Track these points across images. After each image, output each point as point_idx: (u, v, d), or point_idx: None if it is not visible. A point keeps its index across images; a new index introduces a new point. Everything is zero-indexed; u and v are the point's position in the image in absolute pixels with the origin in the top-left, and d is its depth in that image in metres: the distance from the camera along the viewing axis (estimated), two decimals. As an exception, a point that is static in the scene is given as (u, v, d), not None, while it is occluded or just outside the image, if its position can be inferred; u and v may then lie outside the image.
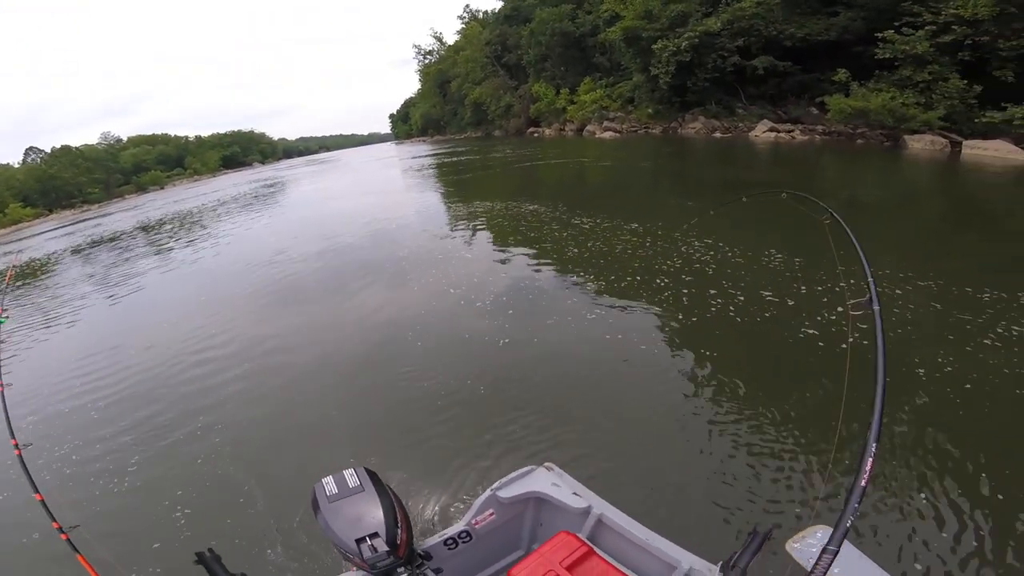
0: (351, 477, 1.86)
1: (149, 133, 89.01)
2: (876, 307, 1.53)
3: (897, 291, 4.98)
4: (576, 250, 7.73)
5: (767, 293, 5.28)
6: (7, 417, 2.34)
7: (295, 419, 4.29)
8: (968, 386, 3.49)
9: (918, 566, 2.32)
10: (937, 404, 3.35)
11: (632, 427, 3.56)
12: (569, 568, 1.56)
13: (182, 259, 12.70)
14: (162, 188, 69.49)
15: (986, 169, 12.04)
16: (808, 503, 2.70)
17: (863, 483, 1.12)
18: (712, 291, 5.52)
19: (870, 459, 1.16)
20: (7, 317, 3.10)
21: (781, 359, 4.24)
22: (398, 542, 1.68)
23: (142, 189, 69.94)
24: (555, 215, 10.29)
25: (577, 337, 4.97)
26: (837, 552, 1.04)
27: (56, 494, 2.15)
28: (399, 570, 1.65)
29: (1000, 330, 4.08)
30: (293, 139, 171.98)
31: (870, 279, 1.66)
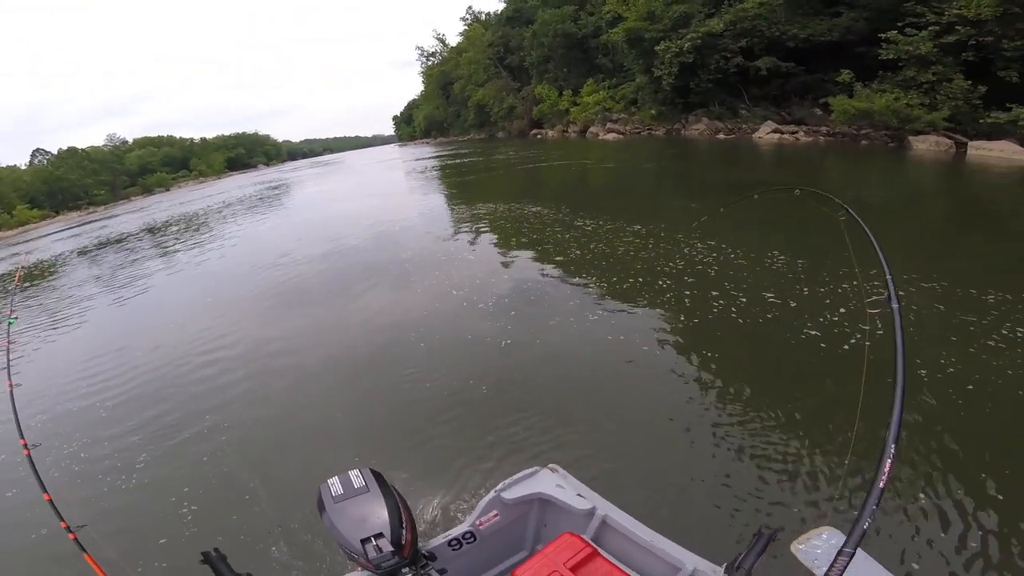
0: (356, 478, 1.87)
1: (150, 134, 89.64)
2: (896, 305, 1.52)
3: (900, 292, 4.92)
4: (578, 252, 7.74)
5: (770, 294, 5.27)
6: (16, 417, 2.36)
7: (300, 420, 4.32)
8: (970, 387, 3.48)
9: (920, 567, 2.31)
10: (939, 405, 3.35)
11: (636, 428, 3.57)
12: (573, 569, 1.56)
13: (188, 261, 12.77)
14: (167, 190, 69.85)
15: (991, 170, 11.99)
16: (813, 504, 2.70)
17: (881, 485, 1.10)
18: (715, 292, 5.52)
19: (888, 460, 1.14)
20: (16, 318, 3.14)
21: (784, 360, 4.24)
22: (403, 542, 1.68)
23: (148, 191, 70.32)
24: (558, 217, 10.30)
25: (580, 338, 4.98)
26: (853, 554, 1.03)
27: (64, 493, 2.17)
28: (404, 570, 1.65)
29: (1005, 331, 4.07)
30: (297, 141, 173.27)
31: (889, 277, 1.64)
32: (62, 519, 1.84)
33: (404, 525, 1.73)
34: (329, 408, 4.40)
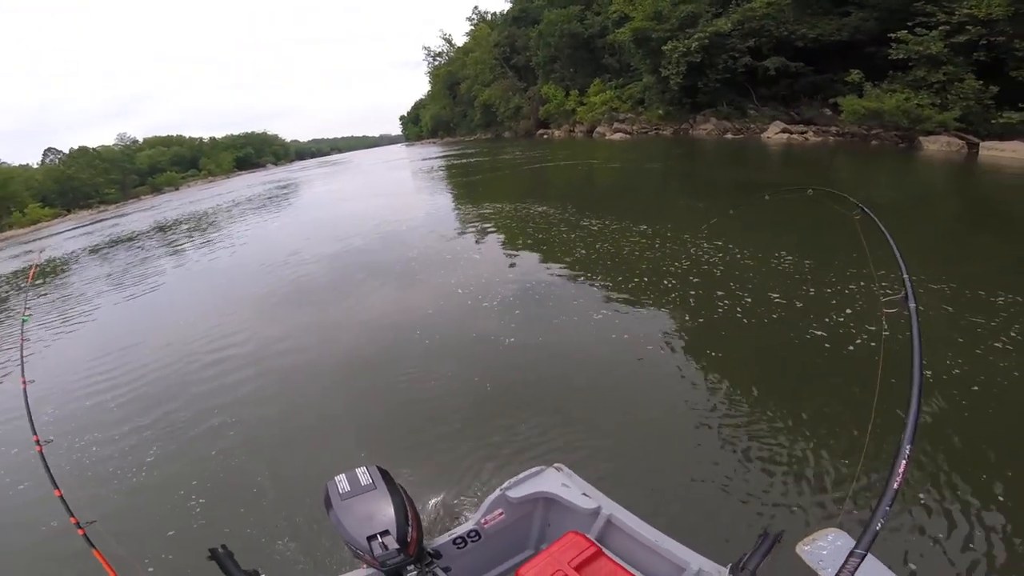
0: (363, 475, 1.89)
1: (156, 134, 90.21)
2: (912, 304, 1.49)
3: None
4: (584, 251, 7.74)
5: (777, 295, 5.24)
6: (29, 413, 2.40)
7: (308, 417, 4.35)
8: (975, 388, 3.46)
9: (925, 569, 2.30)
10: (943, 406, 3.33)
11: (641, 427, 3.57)
12: (577, 568, 1.57)
13: (198, 259, 12.89)
14: (177, 189, 70.45)
15: (1004, 170, 11.85)
16: (819, 505, 2.69)
17: (895, 485, 1.10)
18: (721, 292, 5.50)
19: (903, 461, 1.13)
20: (30, 315, 3.18)
21: (792, 360, 4.22)
22: (408, 540, 1.69)
23: (157, 190, 70.96)
24: (563, 217, 10.30)
25: (585, 337, 4.98)
26: (865, 556, 1.02)
27: (74, 489, 2.19)
28: (409, 568, 1.67)
29: (1013, 333, 4.03)
30: (305, 141, 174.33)
31: (906, 276, 1.61)
32: (72, 515, 1.86)
33: (410, 523, 1.74)
34: (336, 405, 4.43)
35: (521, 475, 2.11)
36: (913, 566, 2.32)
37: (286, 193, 29.22)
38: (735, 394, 3.80)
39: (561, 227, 9.47)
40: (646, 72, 29.36)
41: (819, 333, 4.41)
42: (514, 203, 12.68)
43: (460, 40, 64.91)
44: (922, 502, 2.63)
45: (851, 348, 4.11)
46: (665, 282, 6.05)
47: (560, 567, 1.57)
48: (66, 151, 66.74)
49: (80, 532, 1.81)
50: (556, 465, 2.23)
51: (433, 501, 3.07)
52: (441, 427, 3.85)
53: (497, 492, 2.03)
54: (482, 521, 2.00)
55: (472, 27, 60.45)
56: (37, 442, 2.20)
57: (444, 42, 68.50)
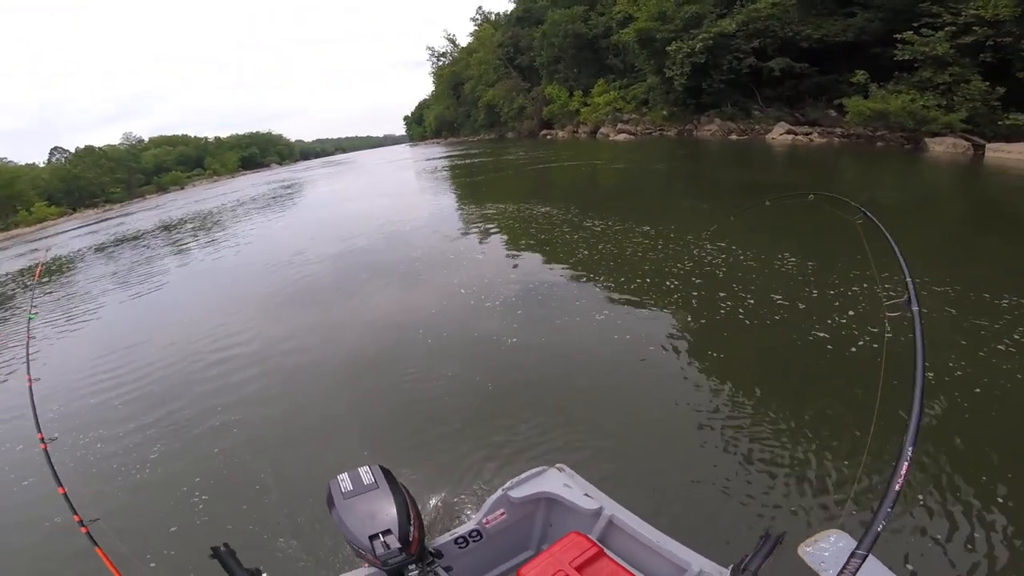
0: (366, 474, 1.89)
1: (162, 134, 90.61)
2: (916, 308, 1.50)
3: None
4: (587, 252, 7.74)
5: (779, 296, 5.23)
6: (34, 411, 2.41)
7: (311, 416, 4.37)
8: (978, 390, 3.45)
9: (927, 571, 2.30)
10: (946, 408, 3.33)
11: (643, 428, 3.56)
12: (579, 569, 1.57)
13: (203, 258, 12.95)
14: (182, 188, 70.76)
15: (1010, 172, 11.77)
16: (822, 507, 2.69)
17: (897, 487, 1.10)
18: (724, 293, 5.49)
19: (906, 463, 1.14)
20: (36, 313, 3.21)
21: (794, 363, 4.21)
22: (410, 539, 1.70)
23: (163, 189, 71.29)
24: (567, 217, 10.30)
25: (587, 337, 4.98)
26: (867, 557, 1.03)
27: (78, 486, 2.21)
28: (410, 567, 1.67)
29: (1017, 336, 4.01)
30: (310, 141, 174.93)
31: (909, 280, 1.62)
32: (75, 512, 1.87)
33: (412, 522, 1.75)
34: (340, 405, 4.45)
35: (523, 475, 2.11)
36: (914, 567, 2.31)
37: (290, 193, 29.32)
38: (737, 395, 3.79)
39: (564, 228, 9.47)
40: (650, 73, 29.31)
41: (822, 335, 4.40)
42: (517, 204, 12.69)
43: (464, 40, 65.11)
44: (924, 504, 2.62)
45: (853, 350, 4.10)
46: (668, 283, 6.04)
47: (561, 567, 1.57)
48: (72, 150, 67.25)
49: (83, 530, 1.81)
50: (558, 465, 2.23)
51: (435, 500, 3.07)
52: (443, 427, 3.86)
53: (499, 492, 2.03)
54: (484, 521, 2.00)
55: (476, 27, 60.57)
56: (42, 439, 2.21)
57: (448, 42, 68.71)
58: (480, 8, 66.11)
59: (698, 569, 1.61)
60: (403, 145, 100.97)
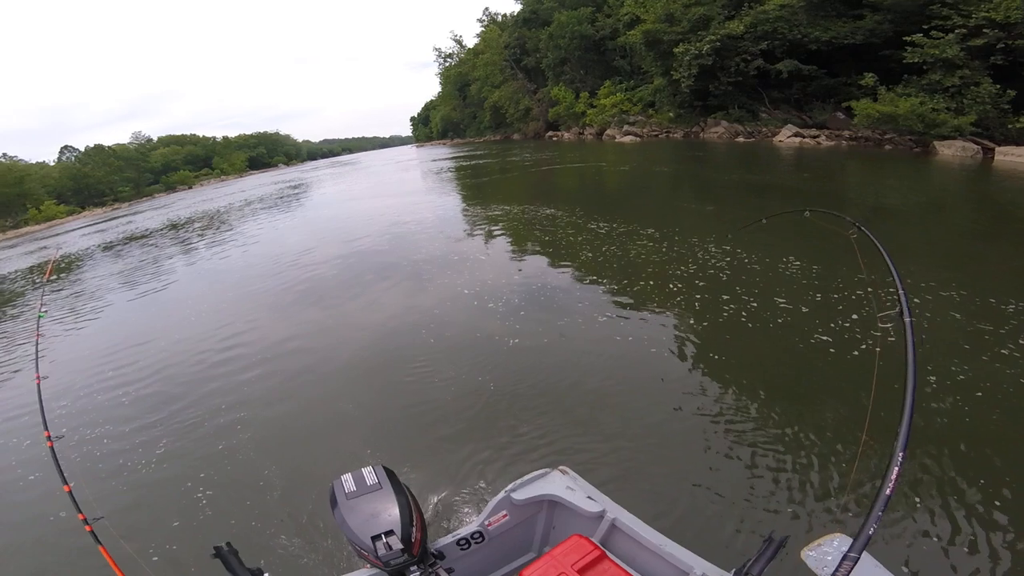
0: (369, 475, 1.90)
1: (170, 134, 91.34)
2: (908, 319, 1.55)
3: (915, 299, 4.88)
4: (590, 254, 7.73)
5: (783, 300, 5.20)
6: (42, 409, 2.43)
7: (316, 416, 4.38)
8: (979, 394, 3.44)
9: (925, 571, 2.30)
10: (948, 411, 3.32)
11: (646, 431, 3.55)
12: (581, 571, 1.57)
13: (210, 257, 13.03)
14: (190, 188, 71.27)
15: (1020, 176, 11.65)
16: (823, 511, 2.67)
17: (888, 492, 1.13)
18: (726, 296, 5.47)
19: (896, 468, 1.18)
20: (46, 311, 3.24)
21: (799, 369, 4.18)
22: (412, 540, 1.70)
23: (171, 188, 71.80)
24: (571, 219, 10.30)
25: (590, 339, 4.98)
26: (858, 559, 1.06)
27: (83, 484, 2.22)
28: (412, 568, 1.68)
29: (1022, 341, 3.97)
30: (316, 141, 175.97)
31: (901, 291, 1.67)
32: (80, 511, 1.88)
33: (414, 523, 1.75)
34: (344, 405, 4.46)
35: (526, 477, 2.11)
36: (917, 569, 2.31)
37: (297, 193, 29.46)
38: (741, 399, 3.78)
39: (568, 230, 9.47)
40: (657, 74, 29.29)
41: (825, 338, 4.38)
42: (522, 205, 12.69)
43: (471, 41, 65.22)
44: (927, 506, 2.62)
45: (856, 353, 4.08)
46: (671, 286, 6.02)
47: (563, 570, 1.57)
48: (82, 149, 67.85)
49: (87, 528, 1.82)
50: (561, 468, 2.22)
51: (437, 501, 3.08)
52: (446, 427, 3.86)
53: (502, 494, 2.03)
54: (486, 523, 2.00)
55: (482, 28, 60.67)
56: (48, 437, 2.22)
57: (455, 43, 68.87)
58: (487, 9, 66.32)
59: (700, 573, 1.60)
60: (409, 146, 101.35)
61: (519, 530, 2.10)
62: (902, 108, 15.80)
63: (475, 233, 10.52)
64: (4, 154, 56.67)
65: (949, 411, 3.31)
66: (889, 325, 1.56)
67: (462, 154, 40.28)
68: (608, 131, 34.68)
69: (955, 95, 15.02)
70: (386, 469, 1.95)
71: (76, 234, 30.69)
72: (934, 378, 3.62)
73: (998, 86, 14.11)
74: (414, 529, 1.73)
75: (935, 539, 2.45)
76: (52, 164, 66.38)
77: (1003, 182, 11.54)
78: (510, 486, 2.06)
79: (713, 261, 6.63)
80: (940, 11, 15.15)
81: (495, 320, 5.70)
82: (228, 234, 16.60)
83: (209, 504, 3.44)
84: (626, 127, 32.92)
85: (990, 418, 3.24)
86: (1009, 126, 13.99)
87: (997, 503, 2.60)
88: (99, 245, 21.38)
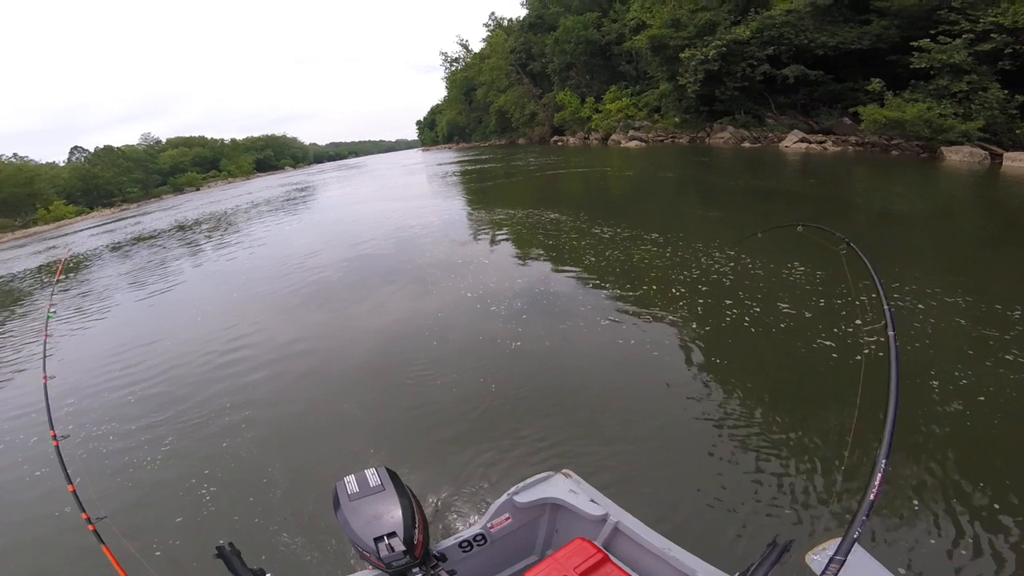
0: (372, 476, 1.90)
1: (179, 135, 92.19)
2: (891, 332, 1.62)
3: (920, 305, 4.86)
4: (594, 258, 7.73)
5: (787, 306, 5.19)
6: (48, 408, 2.45)
7: (320, 418, 4.40)
8: (982, 398, 3.42)
9: (926, 572, 2.31)
10: (949, 414, 3.30)
11: (649, 434, 3.55)
12: (583, 575, 1.57)
13: (216, 259, 13.12)
14: (198, 189, 71.75)
15: (1028, 182, 11.58)
16: (829, 516, 2.66)
17: (871, 497, 1.18)
18: (729, 301, 5.46)
19: (879, 475, 1.22)
20: (54, 312, 3.26)
21: (802, 374, 4.16)
22: (414, 542, 1.70)
23: (179, 190, 72.38)
24: (575, 224, 10.30)
25: (592, 343, 4.98)
26: (844, 562, 1.11)
27: (87, 483, 2.24)
28: (414, 570, 1.68)
29: (1028, 347, 3.95)
30: (323, 144, 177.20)
31: (886, 306, 1.75)
32: (83, 510, 1.89)
33: (417, 525, 1.75)
34: (348, 407, 4.48)
35: (529, 480, 2.11)
36: (916, 570, 2.32)
37: (304, 196, 29.62)
38: (745, 403, 3.76)
39: (572, 234, 9.48)
40: (663, 80, 29.32)
41: (828, 343, 4.36)
42: (526, 209, 12.72)
43: (477, 46, 65.52)
44: (930, 509, 2.61)
45: (858, 358, 4.06)
46: (674, 290, 6.01)
47: (566, 573, 1.57)
48: (91, 150, 68.56)
49: (91, 528, 1.83)
50: (564, 471, 2.22)
51: (440, 503, 3.08)
52: (449, 430, 3.86)
53: (504, 497, 2.03)
54: (489, 525, 2.00)
55: (488, 33, 60.95)
56: (54, 437, 2.24)
57: (461, 47, 69.19)
58: (493, 14, 66.52)
59: None
60: (415, 150, 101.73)
61: (521, 533, 2.09)
62: (909, 114, 15.73)
63: (479, 237, 10.54)
64: (15, 154, 57.28)
65: (952, 415, 3.31)
66: (873, 339, 1.65)
67: (467, 158, 40.41)
68: (613, 136, 34.70)
69: (962, 100, 14.96)
70: (389, 471, 1.96)
71: (84, 234, 30.97)
72: (937, 382, 3.61)
73: (1006, 91, 14.04)
74: (416, 531, 1.73)
75: (937, 541, 2.45)
76: (62, 164, 67.15)
77: (1011, 188, 11.46)
78: (513, 489, 2.06)
79: (716, 266, 6.62)
80: (947, 16, 15.12)
81: (498, 323, 5.71)
82: (235, 236, 16.71)
83: (212, 504, 3.46)
84: (631, 132, 32.93)
85: (992, 422, 3.24)
86: (1017, 131, 13.92)
87: (997, 506, 2.60)
88: (107, 245, 21.56)
